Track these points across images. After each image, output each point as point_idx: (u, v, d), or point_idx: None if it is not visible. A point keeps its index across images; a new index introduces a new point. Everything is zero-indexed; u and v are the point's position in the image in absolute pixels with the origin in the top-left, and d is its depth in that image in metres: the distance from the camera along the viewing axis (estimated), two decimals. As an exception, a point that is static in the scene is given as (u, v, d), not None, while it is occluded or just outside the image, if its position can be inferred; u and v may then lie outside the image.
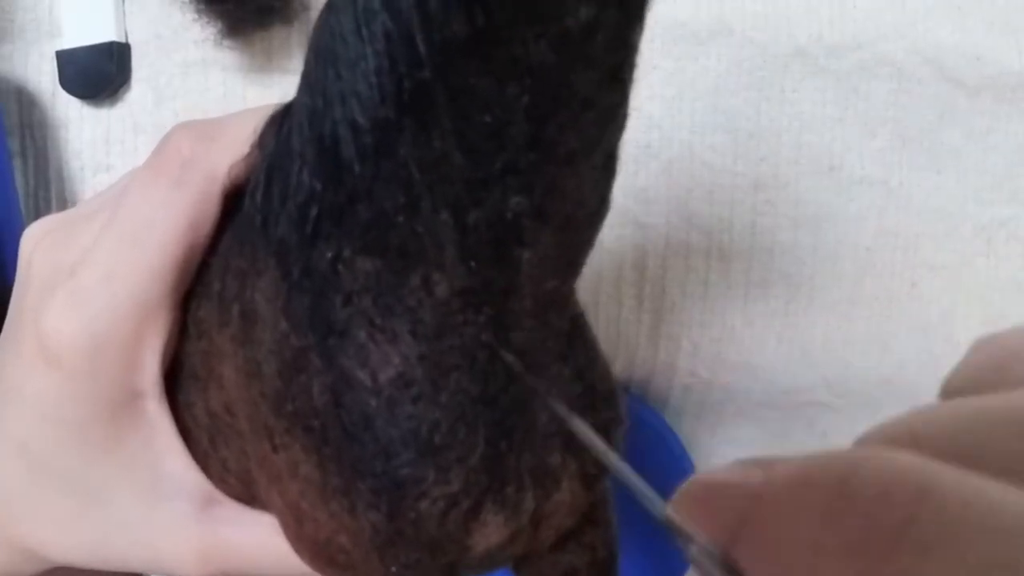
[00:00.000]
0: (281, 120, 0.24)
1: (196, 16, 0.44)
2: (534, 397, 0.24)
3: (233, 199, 0.27)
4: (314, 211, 0.22)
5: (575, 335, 0.26)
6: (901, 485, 0.11)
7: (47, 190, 0.48)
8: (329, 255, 0.22)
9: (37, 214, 0.49)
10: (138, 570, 0.29)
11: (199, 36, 0.45)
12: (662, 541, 0.47)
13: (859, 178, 0.47)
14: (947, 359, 0.51)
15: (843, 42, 0.46)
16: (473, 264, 0.21)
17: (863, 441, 0.13)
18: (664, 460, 0.47)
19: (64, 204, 0.49)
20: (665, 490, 0.16)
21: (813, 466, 0.11)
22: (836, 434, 0.51)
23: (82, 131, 0.48)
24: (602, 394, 0.27)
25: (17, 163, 0.48)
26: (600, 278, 0.47)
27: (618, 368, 0.48)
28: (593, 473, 0.26)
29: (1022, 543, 0.10)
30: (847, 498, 0.11)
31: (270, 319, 0.24)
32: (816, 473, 0.11)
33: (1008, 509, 0.10)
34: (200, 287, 0.28)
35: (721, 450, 0.53)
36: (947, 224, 0.48)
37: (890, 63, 0.46)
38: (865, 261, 0.47)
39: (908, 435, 0.12)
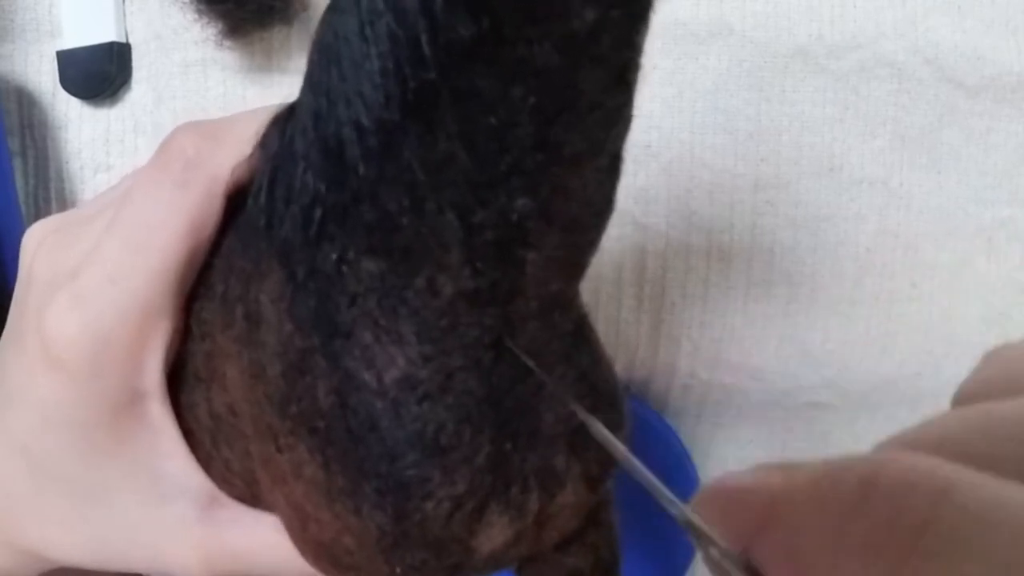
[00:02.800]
0: (284, 121, 0.24)
1: (196, 16, 0.44)
2: (547, 397, 0.25)
3: (236, 200, 0.27)
4: (318, 212, 0.22)
5: (579, 337, 0.26)
6: (922, 486, 0.11)
7: (47, 190, 0.48)
8: (334, 256, 0.22)
9: (37, 214, 0.49)
10: (140, 571, 0.29)
11: (199, 36, 0.45)
12: (664, 542, 0.47)
13: (859, 178, 0.47)
14: (947, 359, 0.51)
15: (843, 42, 0.46)
16: (478, 265, 0.21)
17: (881, 448, 0.13)
18: (665, 461, 0.47)
19: (64, 204, 0.48)
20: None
21: (835, 468, 0.11)
22: (836, 434, 0.51)
23: (82, 131, 0.48)
24: (606, 396, 0.27)
25: (17, 163, 0.48)
26: (600, 278, 0.47)
27: (618, 368, 0.48)
28: (597, 475, 0.27)
29: None
30: (869, 498, 0.11)
31: (274, 321, 0.24)
32: (838, 475, 0.11)
33: (1004, 496, 0.10)
34: (203, 288, 0.28)
35: (721, 450, 0.53)
36: (947, 224, 0.48)
37: (890, 63, 0.46)
38: (865, 261, 0.47)
39: (924, 441, 0.12)
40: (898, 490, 0.11)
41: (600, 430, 0.23)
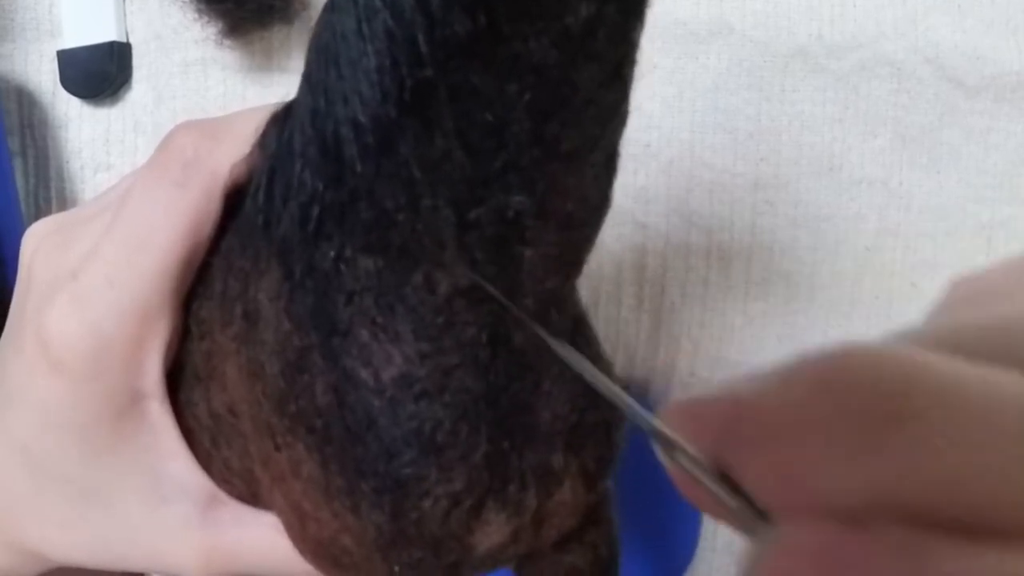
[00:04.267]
0: (283, 120, 0.24)
1: (196, 16, 0.44)
2: (545, 395, 0.24)
3: (234, 198, 0.27)
4: (316, 210, 0.22)
5: (577, 335, 0.26)
6: (894, 365, 0.10)
7: (47, 189, 0.48)
8: (331, 254, 0.22)
9: (37, 213, 0.49)
10: (140, 570, 0.29)
11: (199, 36, 0.45)
12: (663, 541, 0.47)
13: (859, 178, 0.47)
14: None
15: (843, 41, 0.46)
16: (475, 263, 0.21)
17: None
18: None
19: (64, 203, 0.49)
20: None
21: (800, 364, 0.11)
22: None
23: (82, 130, 0.48)
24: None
25: (17, 162, 0.48)
26: (600, 278, 0.47)
27: (618, 368, 0.48)
28: (595, 472, 0.27)
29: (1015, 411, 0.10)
30: (838, 382, 0.11)
31: (273, 319, 0.24)
32: (804, 368, 0.11)
33: (999, 382, 0.10)
34: (202, 287, 0.28)
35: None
36: (947, 224, 0.48)
37: (890, 63, 0.46)
38: (865, 261, 0.47)
39: (896, 340, 0.12)
40: (866, 370, 0.10)
41: (553, 343, 0.22)
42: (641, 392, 0.49)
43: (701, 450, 0.13)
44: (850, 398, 0.10)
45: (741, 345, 0.48)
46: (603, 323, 0.47)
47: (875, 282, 0.48)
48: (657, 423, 0.15)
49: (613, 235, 0.47)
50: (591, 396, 0.26)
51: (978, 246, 0.48)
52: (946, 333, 0.12)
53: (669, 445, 0.14)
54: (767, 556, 0.10)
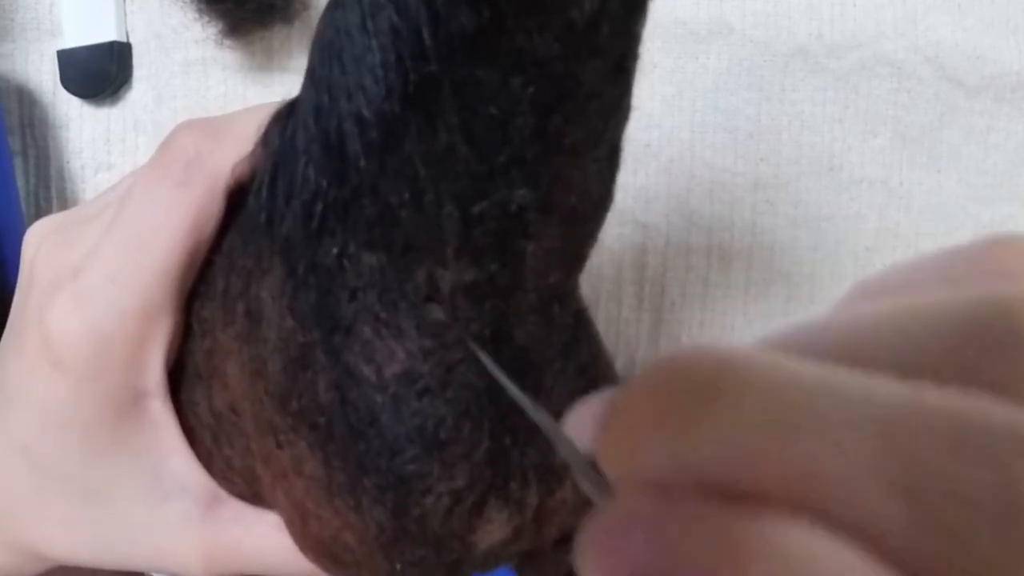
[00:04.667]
0: (285, 117, 0.24)
1: (197, 15, 0.44)
2: (547, 392, 0.25)
3: (237, 197, 0.27)
4: (319, 207, 0.22)
5: (579, 330, 0.26)
6: (710, 359, 0.11)
7: (48, 189, 0.48)
8: (334, 251, 0.22)
9: (38, 213, 0.48)
10: (141, 569, 0.29)
11: (200, 35, 0.45)
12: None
13: (859, 178, 0.47)
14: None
15: (843, 41, 0.46)
16: (478, 258, 0.21)
17: None
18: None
19: (65, 203, 0.48)
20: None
21: (647, 365, 0.12)
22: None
23: (83, 130, 0.48)
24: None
25: (18, 162, 0.48)
26: (600, 278, 0.47)
27: (618, 367, 0.48)
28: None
29: (801, 395, 0.11)
30: (664, 375, 0.12)
31: (275, 316, 0.24)
32: (646, 368, 0.12)
33: (788, 369, 0.11)
34: (203, 286, 0.28)
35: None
36: (947, 223, 0.48)
37: (890, 62, 0.46)
38: (865, 261, 0.47)
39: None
40: (686, 364, 0.12)
41: (487, 361, 0.22)
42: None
43: (586, 446, 0.14)
44: (669, 389, 0.12)
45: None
46: (603, 322, 0.47)
47: (875, 282, 0.48)
48: (557, 427, 0.16)
49: (613, 235, 0.47)
50: (591, 393, 0.26)
51: (978, 245, 0.48)
52: (796, 335, 0.13)
53: (562, 444, 0.16)
54: (591, 524, 0.12)
